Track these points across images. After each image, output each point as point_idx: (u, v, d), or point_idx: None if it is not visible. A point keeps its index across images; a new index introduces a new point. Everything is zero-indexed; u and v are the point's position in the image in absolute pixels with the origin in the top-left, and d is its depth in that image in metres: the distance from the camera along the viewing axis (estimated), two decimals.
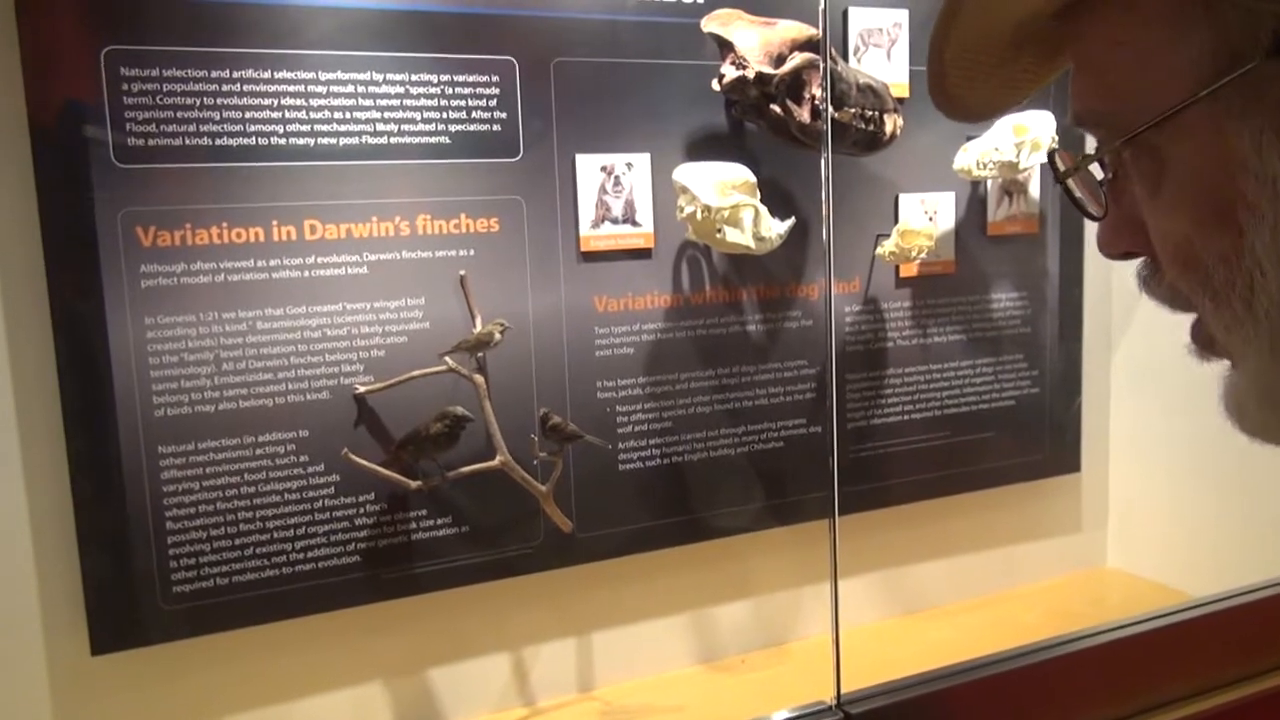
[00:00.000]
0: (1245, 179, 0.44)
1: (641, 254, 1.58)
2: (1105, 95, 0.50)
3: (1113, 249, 0.54)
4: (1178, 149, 0.46)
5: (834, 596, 1.43)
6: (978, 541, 1.99)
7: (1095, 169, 0.53)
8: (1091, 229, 2.02)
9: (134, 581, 1.31)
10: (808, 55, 1.50)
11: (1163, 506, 2.02)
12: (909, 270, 1.79)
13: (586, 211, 1.53)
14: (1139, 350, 2.04)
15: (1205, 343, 0.51)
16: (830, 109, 1.49)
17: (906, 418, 1.83)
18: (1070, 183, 0.54)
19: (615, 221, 1.55)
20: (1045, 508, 2.05)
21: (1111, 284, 2.04)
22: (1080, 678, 1.34)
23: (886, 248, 1.70)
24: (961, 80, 0.56)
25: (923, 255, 1.70)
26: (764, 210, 1.53)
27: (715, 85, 1.52)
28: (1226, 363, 0.50)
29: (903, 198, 1.77)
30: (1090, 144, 0.54)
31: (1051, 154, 0.55)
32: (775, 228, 1.54)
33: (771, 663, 1.75)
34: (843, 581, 1.82)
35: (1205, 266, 0.47)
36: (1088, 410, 2.04)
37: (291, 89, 1.34)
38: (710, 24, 1.51)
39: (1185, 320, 0.53)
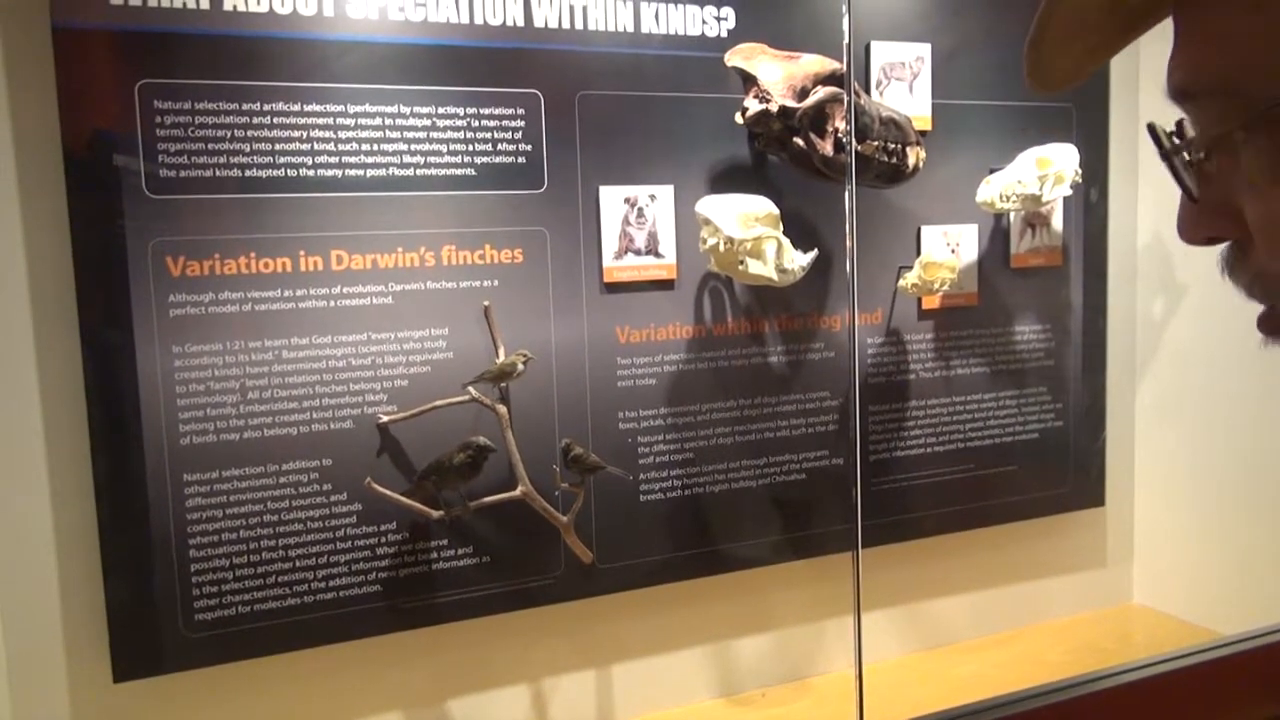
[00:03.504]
0: None
1: (664, 285, 1.59)
2: (1227, 66, 0.45)
3: (1196, 233, 0.49)
4: None
5: (857, 630, 1.42)
6: (1001, 576, 1.97)
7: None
8: (1115, 261, 2.00)
9: (157, 609, 1.32)
10: (831, 89, 1.50)
11: (1190, 541, 1.99)
12: (931, 302, 1.79)
13: (610, 243, 1.54)
14: (1165, 382, 2.02)
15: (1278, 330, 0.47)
16: (853, 142, 1.50)
17: (929, 450, 1.82)
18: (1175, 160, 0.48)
19: (638, 253, 1.56)
20: (1069, 542, 2.03)
21: (1136, 315, 2.03)
22: (1106, 717, 1.31)
23: (909, 280, 1.70)
24: (1055, 45, 0.51)
25: (945, 287, 1.70)
26: (787, 242, 1.53)
27: (738, 118, 1.53)
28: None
29: (925, 230, 1.77)
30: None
31: (1151, 128, 0.49)
32: (798, 260, 1.54)
33: (792, 697, 1.73)
34: (865, 615, 1.80)
35: None
36: (1112, 443, 2.02)
37: (320, 121, 1.36)
38: (734, 58, 1.52)
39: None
